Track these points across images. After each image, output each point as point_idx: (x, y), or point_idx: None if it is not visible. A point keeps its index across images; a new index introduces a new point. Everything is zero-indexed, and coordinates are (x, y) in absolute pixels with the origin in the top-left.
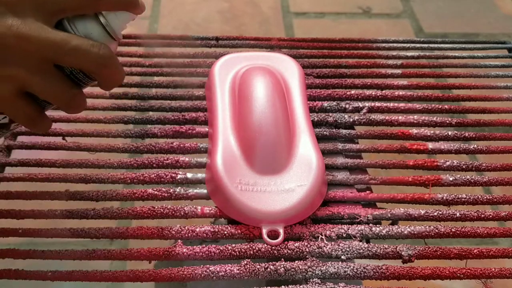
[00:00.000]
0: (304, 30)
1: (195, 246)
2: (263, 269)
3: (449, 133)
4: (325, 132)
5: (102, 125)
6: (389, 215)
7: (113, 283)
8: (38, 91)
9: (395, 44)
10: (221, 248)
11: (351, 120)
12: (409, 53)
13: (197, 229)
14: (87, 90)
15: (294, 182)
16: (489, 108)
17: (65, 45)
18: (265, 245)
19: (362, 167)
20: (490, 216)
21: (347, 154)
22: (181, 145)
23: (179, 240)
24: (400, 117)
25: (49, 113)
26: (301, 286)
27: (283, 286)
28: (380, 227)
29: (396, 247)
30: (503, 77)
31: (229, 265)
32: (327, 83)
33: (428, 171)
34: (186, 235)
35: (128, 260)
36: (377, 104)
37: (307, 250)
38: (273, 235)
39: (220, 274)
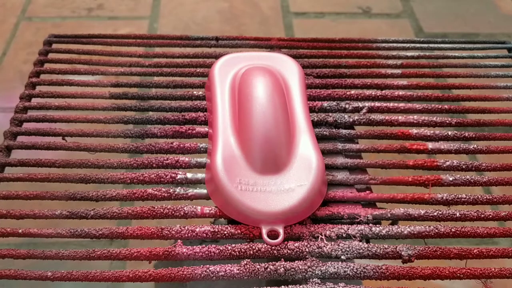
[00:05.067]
0: (304, 30)
1: (195, 246)
2: (263, 269)
3: (449, 133)
4: (325, 132)
5: (102, 125)
6: (389, 215)
7: (113, 283)
8: None
9: (395, 44)
10: (221, 248)
11: (351, 120)
12: (409, 53)
13: (197, 229)
14: (86, 89)
15: (294, 182)
16: (489, 108)
17: None
18: (265, 245)
19: (362, 167)
20: (490, 216)
21: (347, 154)
22: (181, 145)
23: (179, 240)
24: (400, 117)
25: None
26: (301, 286)
27: (283, 286)
28: (380, 227)
29: (396, 247)
30: (503, 77)
31: (229, 265)
32: (327, 83)
33: (428, 171)
34: (186, 235)
35: (128, 260)
36: (377, 104)
37: (307, 250)
38: (273, 235)
39: (220, 274)
